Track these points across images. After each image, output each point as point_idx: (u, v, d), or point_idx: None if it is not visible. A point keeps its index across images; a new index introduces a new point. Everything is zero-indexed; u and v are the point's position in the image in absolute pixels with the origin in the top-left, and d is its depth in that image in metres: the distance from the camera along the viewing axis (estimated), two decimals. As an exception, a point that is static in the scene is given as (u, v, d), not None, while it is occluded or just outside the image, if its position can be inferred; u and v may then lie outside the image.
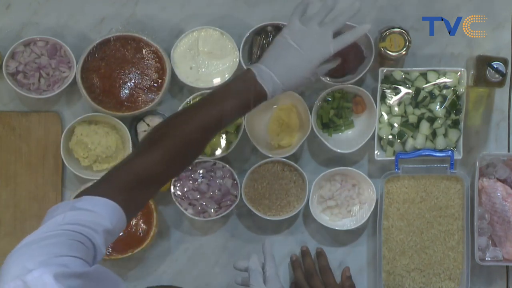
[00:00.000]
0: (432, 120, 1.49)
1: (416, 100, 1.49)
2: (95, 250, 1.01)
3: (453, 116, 1.49)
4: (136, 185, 1.12)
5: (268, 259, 1.31)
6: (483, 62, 1.45)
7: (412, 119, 1.49)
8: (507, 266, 1.55)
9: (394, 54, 1.45)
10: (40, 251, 0.93)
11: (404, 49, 1.45)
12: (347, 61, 1.48)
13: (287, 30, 1.28)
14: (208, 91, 1.49)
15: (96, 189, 1.10)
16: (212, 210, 1.50)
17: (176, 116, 1.24)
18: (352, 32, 1.29)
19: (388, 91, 1.49)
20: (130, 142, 1.49)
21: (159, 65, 1.49)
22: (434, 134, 1.50)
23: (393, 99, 1.49)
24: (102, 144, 1.48)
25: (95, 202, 1.06)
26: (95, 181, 1.14)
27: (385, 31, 1.45)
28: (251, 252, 1.54)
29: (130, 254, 1.49)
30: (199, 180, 1.49)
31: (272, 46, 1.29)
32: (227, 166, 1.50)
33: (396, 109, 1.49)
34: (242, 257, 1.34)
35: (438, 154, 1.48)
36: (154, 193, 1.21)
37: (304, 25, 1.27)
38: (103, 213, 1.05)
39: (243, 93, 1.24)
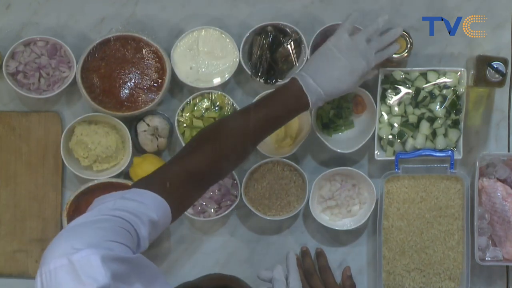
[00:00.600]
0: (432, 120, 1.49)
1: (416, 100, 1.49)
2: (138, 240, 1.03)
3: (453, 116, 1.49)
4: (183, 183, 1.17)
5: (291, 271, 1.33)
6: (483, 62, 1.45)
7: (412, 119, 1.49)
8: (507, 266, 1.55)
9: (396, 56, 1.44)
10: (89, 233, 0.95)
11: (406, 51, 1.45)
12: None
13: (334, 42, 1.33)
14: (208, 91, 1.50)
15: (145, 183, 1.13)
16: (212, 210, 1.50)
17: (225, 120, 1.31)
18: (389, 49, 1.37)
19: (388, 91, 1.49)
20: (130, 142, 1.49)
21: (159, 65, 1.49)
22: (434, 134, 1.50)
23: (393, 99, 1.49)
24: (102, 144, 1.48)
25: (143, 195, 1.09)
26: (145, 176, 1.18)
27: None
28: (251, 253, 1.55)
29: (130, 254, 1.48)
30: (199, 180, 1.49)
31: (318, 56, 1.33)
32: (227, 166, 1.50)
33: (396, 109, 1.49)
34: (264, 267, 1.35)
35: (438, 154, 1.48)
36: (200, 193, 1.24)
37: (352, 40, 1.33)
38: (150, 205, 1.08)
39: (289, 103, 1.30)
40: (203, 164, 1.20)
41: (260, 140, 1.31)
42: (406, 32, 1.45)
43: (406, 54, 1.45)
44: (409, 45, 1.45)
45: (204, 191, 1.25)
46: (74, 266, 0.88)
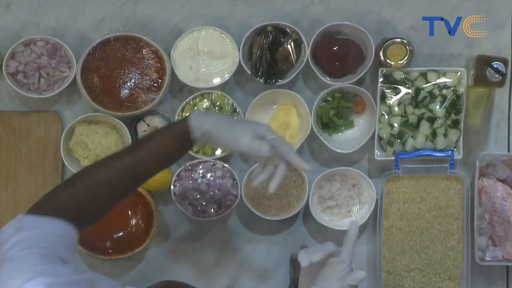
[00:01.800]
0: (432, 120, 1.49)
1: (416, 100, 1.49)
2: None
3: (453, 116, 1.49)
4: (69, 211, 1.08)
5: (347, 244, 1.18)
6: (483, 62, 1.45)
7: (412, 119, 1.49)
8: (507, 266, 1.55)
9: (395, 64, 1.45)
10: (21, 266, 0.92)
11: (406, 59, 1.45)
12: (347, 61, 1.49)
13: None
14: (208, 91, 1.50)
15: (38, 209, 1.07)
16: (212, 210, 1.50)
17: (103, 160, 1.16)
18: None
19: (388, 91, 1.49)
20: (130, 142, 1.49)
21: (159, 65, 1.49)
22: (434, 134, 1.50)
23: (393, 99, 1.49)
24: (102, 144, 1.48)
25: (41, 222, 1.03)
26: (37, 201, 1.11)
27: (387, 41, 1.45)
28: (251, 253, 1.55)
29: (130, 254, 1.48)
30: (199, 180, 1.49)
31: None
32: (227, 165, 1.50)
33: (396, 109, 1.49)
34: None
35: (438, 154, 1.49)
36: (90, 222, 1.14)
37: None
38: (49, 230, 1.02)
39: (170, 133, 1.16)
40: (70, 199, 1.10)
41: (137, 185, 1.17)
42: (405, 40, 1.45)
43: (405, 62, 1.46)
44: (409, 53, 1.45)
45: (94, 221, 1.13)
46: None
